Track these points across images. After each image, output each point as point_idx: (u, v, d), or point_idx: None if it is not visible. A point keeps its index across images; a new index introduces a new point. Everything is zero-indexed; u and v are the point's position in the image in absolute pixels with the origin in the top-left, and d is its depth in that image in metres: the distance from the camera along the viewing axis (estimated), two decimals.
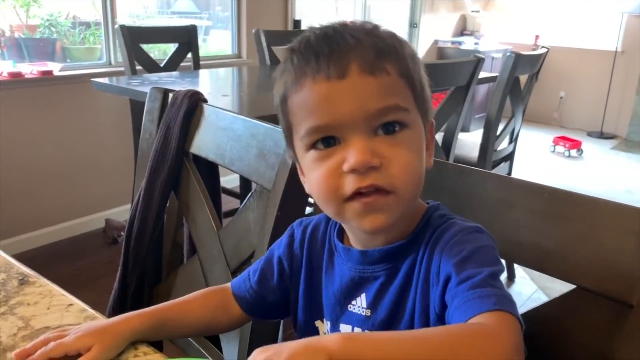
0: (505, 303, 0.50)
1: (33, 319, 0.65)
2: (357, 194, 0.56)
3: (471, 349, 0.45)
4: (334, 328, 0.66)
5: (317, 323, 0.70)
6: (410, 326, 0.60)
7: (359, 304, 0.64)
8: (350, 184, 0.56)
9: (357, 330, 0.64)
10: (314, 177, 0.59)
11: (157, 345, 0.68)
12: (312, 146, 0.58)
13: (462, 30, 6.02)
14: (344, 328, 0.65)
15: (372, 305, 0.63)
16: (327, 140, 0.57)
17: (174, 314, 0.71)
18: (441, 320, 0.56)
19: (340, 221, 0.65)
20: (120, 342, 0.63)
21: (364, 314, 0.64)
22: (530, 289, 2.53)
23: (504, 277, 2.60)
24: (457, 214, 0.72)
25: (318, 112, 0.56)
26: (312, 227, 0.71)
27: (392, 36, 0.60)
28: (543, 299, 2.44)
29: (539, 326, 0.65)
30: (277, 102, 0.62)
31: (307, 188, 0.64)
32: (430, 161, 0.64)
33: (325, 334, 0.67)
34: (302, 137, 0.59)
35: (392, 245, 0.62)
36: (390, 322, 0.62)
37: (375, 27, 0.59)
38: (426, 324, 0.59)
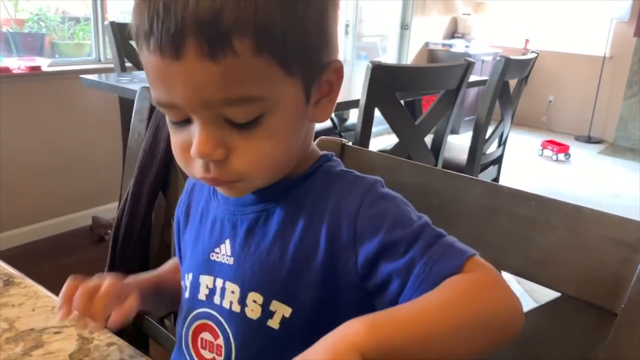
0: (463, 247, 0.50)
1: (18, 320, 0.65)
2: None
3: (486, 301, 0.47)
4: (195, 281, 0.60)
5: (181, 283, 0.63)
6: (284, 287, 0.54)
7: (223, 252, 0.58)
8: (197, 169, 0.51)
9: (220, 281, 0.57)
10: (171, 141, 0.54)
11: (144, 347, 0.68)
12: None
13: (453, 32, 6.05)
14: (204, 279, 0.59)
15: (236, 253, 0.57)
16: (175, 111, 0.50)
17: (165, 284, 0.70)
18: (344, 290, 0.53)
19: None
20: (142, 302, 0.60)
21: (227, 262, 0.57)
22: (516, 292, 2.54)
23: None
24: (445, 219, 0.73)
25: (156, 87, 0.48)
26: None
27: None
28: (529, 302, 2.45)
29: (523, 333, 0.65)
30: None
31: None
32: (325, 114, 0.55)
33: (186, 287, 0.61)
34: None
35: (266, 187, 0.55)
36: (257, 277, 0.55)
37: None
38: (312, 287, 0.53)
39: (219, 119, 0.48)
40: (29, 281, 0.73)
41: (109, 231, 2.78)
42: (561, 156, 4.87)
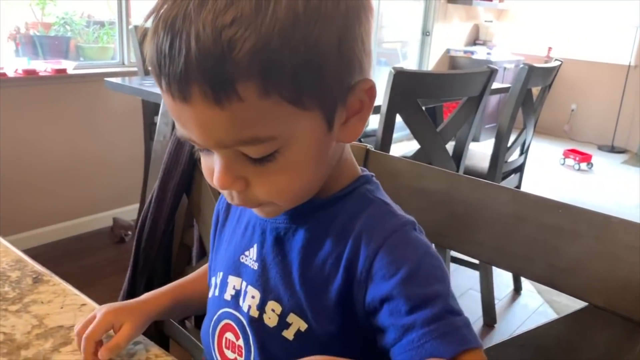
0: (469, 335, 0.47)
1: (47, 317, 0.66)
2: None
3: None
4: (223, 280, 0.61)
5: (212, 279, 0.64)
6: (302, 303, 0.54)
7: (251, 255, 0.59)
8: (224, 193, 0.53)
9: (244, 284, 0.58)
10: (201, 162, 0.54)
11: (164, 347, 0.69)
12: None
13: (475, 39, 6.02)
14: (232, 280, 0.60)
15: (261, 259, 0.57)
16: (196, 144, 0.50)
17: (188, 292, 0.72)
18: (358, 317, 0.52)
19: None
20: (147, 322, 0.64)
21: (252, 267, 0.58)
22: (536, 302, 2.52)
23: (510, 289, 2.59)
24: (469, 226, 0.73)
25: (175, 122, 0.49)
26: None
27: (256, 32, 0.41)
28: (549, 312, 2.43)
29: (549, 343, 0.65)
30: None
31: None
32: (354, 134, 0.52)
33: (215, 285, 0.62)
34: None
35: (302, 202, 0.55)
36: (279, 287, 0.55)
37: (233, 21, 0.41)
38: (328, 309, 0.53)
39: (237, 153, 0.48)
40: (57, 279, 0.75)
41: (129, 232, 2.81)
42: (583, 165, 4.81)
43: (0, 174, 2.54)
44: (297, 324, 0.54)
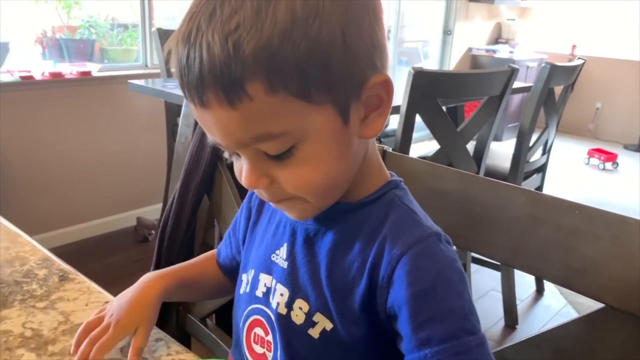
0: (479, 356, 0.48)
1: (72, 314, 0.68)
2: None
3: None
4: (255, 277, 0.63)
5: (243, 276, 0.66)
6: (329, 304, 0.55)
7: (281, 254, 0.61)
8: (257, 193, 0.56)
9: (274, 282, 0.60)
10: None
11: (186, 344, 0.70)
12: None
13: (497, 38, 5.96)
14: (264, 278, 0.62)
15: (291, 258, 0.59)
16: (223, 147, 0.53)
17: (192, 275, 0.74)
18: (381, 320, 0.54)
19: None
20: (157, 310, 0.66)
21: (282, 266, 0.60)
22: (559, 303, 2.49)
23: (532, 290, 2.57)
24: (487, 227, 0.73)
25: (203, 128, 0.52)
26: None
27: (257, 33, 0.44)
28: (572, 313, 2.40)
29: (566, 343, 0.65)
30: None
31: None
32: (374, 129, 0.53)
33: (247, 282, 0.64)
34: None
35: (332, 205, 0.56)
36: (307, 286, 0.57)
37: (237, 27, 0.44)
38: (353, 311, 0.54)
39: (259, 152, 0.50)
40: (82, 277, 0.77)
41: (153, 232, 2.86)
42: (608, 165, 4.74)
43: (28, 174, 2.60)
44: (322, 323, 0.55)
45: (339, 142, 0.51)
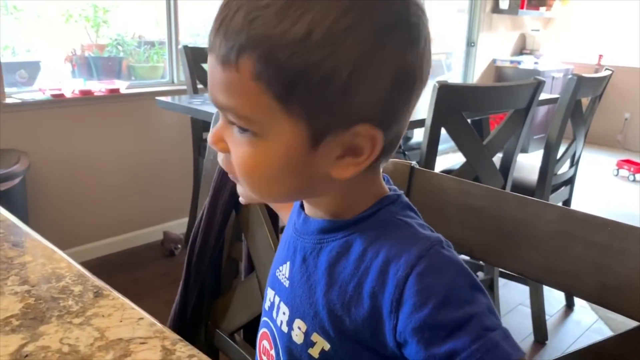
0: (508, 349, 0.47)
1: (107, 330, 0.69)
2: None
3: None
4: (266, 290, 0.64)
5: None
6: (325, 324, 0.54)
7: (284, 272, 0.61)
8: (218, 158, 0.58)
9: (277, 299, 0.61)
10: None
11: (214, 358, 0.71)
12: None
13: (521, 49, 5.92)
14: (270, 292, 0.63)
15: (291, 277, 0.59)
16: None
17: None
18: (381, 345, 0.52)
19: None
20: None
21: (284, 284, 0.60)
22: (590, 318, 2.44)
23: (562, 305, 2.52)
24: (517, 244, 0.72)
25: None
26: None
27: (271, 25, 0.45)
28: (604, 329, 2.35)
29: None
30: None
31: None
32: (344, 173, 0.52)
33: (266, 294, 0.65)
34: None
35: (324, 219, 0.57)
36: (304, 306, 0.56)
37: (263, 8, 0.46)
38: (350, 333, 0.53)
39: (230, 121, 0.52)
40: (116, 293, 0.78)
41: (179, 246, 2.89)
42: (639, 176, 4.65)
43: (58, 189, 2.66)
44: (320, 343, 0.55)
45: (293, 158, 0.50)
